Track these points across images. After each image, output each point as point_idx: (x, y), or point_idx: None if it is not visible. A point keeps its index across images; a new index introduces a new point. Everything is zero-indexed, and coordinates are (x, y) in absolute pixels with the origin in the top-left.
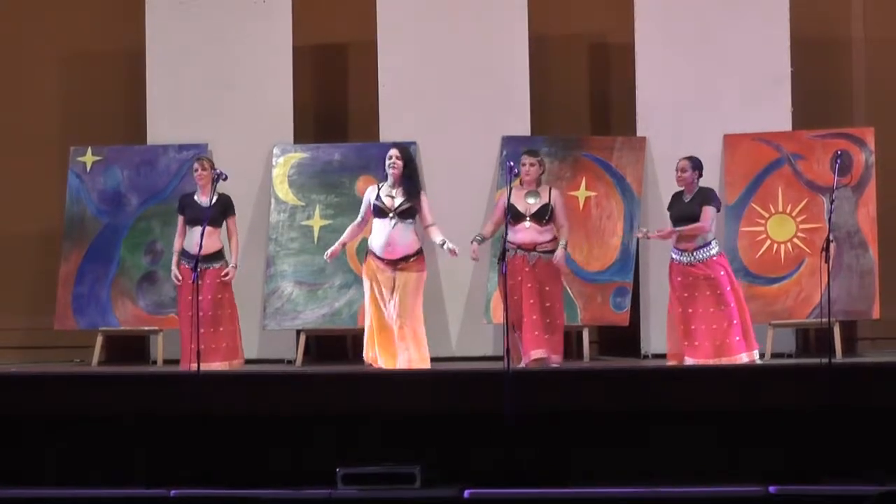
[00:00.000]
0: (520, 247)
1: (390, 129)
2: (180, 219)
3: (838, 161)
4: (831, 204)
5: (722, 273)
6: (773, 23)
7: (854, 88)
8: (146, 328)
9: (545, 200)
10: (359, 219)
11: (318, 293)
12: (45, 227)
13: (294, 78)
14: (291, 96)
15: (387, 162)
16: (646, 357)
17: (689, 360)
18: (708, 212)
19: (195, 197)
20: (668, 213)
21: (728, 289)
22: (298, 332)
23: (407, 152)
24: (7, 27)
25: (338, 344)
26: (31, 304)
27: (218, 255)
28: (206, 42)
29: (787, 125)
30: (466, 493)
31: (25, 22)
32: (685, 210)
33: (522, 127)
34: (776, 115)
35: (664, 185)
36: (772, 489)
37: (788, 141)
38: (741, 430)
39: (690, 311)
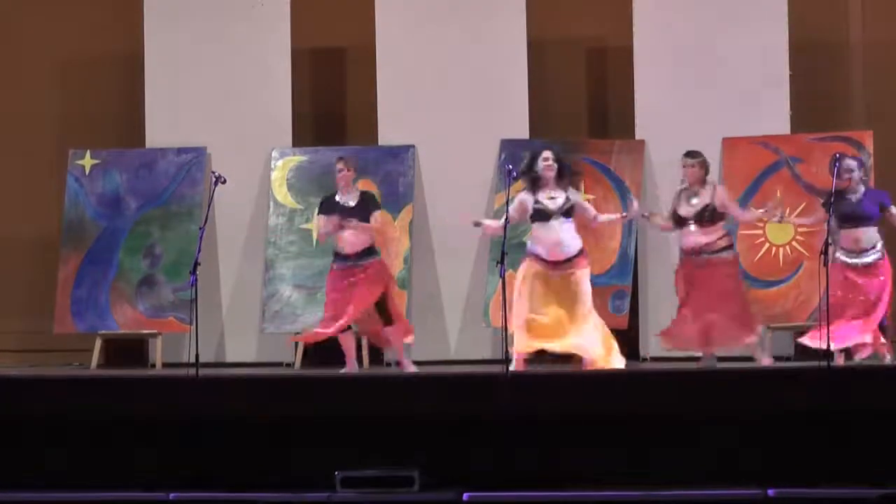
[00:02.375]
0: (689, 252)
1: (389, 132)
2: (324, 218)
3: (837, 164)
4: (830, 207)
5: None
6: (772, 26)
7: (852, 91)
8: (145, 332)
9: (706, 201)
10: (503, 221)
11: (316, 296)
12: (43, 230)
13: (292, 81)
14: (290, 100)
15: (541, 164)
16: (645, 360)
17: None
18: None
19: (336, 198)
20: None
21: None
22: (297, 335)
23: (558, 153)
24: (6, 31)
25: (336, 347)
26: (30, 307)
27: (370, 251)
28: (204, 45)
29: (785, 128)
30: (465, 497)
31: (24, 26)
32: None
33: (521, 130)
34: (775, 118)
35: (663, 188)
36: (770, 492)
37: (787, 144)
38: (740, 432)
39: None
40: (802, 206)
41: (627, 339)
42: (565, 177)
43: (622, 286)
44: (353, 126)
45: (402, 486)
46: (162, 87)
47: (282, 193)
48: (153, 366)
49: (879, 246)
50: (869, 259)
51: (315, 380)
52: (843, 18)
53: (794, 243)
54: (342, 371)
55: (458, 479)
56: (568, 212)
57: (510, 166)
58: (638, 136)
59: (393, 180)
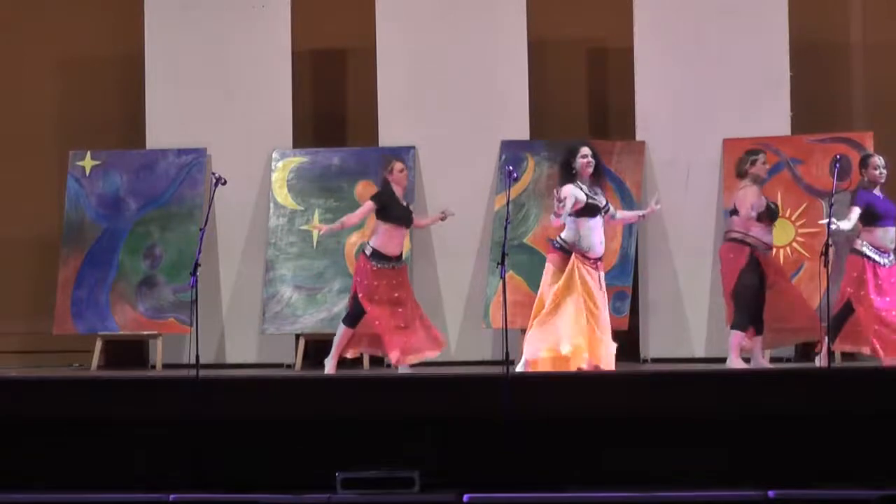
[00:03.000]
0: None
1: (389, 133)
2: (369, 206)
3: (837, 165)
4: (830, 208)
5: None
6: (772, 27)
7: (853, 93)
8: (145, 333)
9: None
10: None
11: (317, 297)
12: (43, 231)
13: (293, 83)
14: (290, 101)
15: (579, 160)
16: (645, 361)
17: None
18: None
19: (399, 199)
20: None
21: None
22: (297, 336)
23: (594, 150)
24: (6, 31)
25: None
26: (30, 308)
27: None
28: (205, 47)
29: (786, 130)
30: (466, 498)
31: (25, 26)
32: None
33: (521, 131)
34: (775, 119)
35: (663, 189)
36: (771, 493)
37: (787, 145)
38: (741, 434)
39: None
40: (804, 206)
41: (628, 339)
42: (601, 174)
43: (623, 287)
44: (353, 127)
45: (403, 487)
46: (163, 88)
47: (282, 194)
48: (153, 367)
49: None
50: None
51: (316, 381)
52: (844, 19)
53: (794, 244)
54: (327, 365)
55: (459, 480)
56: (606, 208)
57: (510, 167)
58: (638, 137)
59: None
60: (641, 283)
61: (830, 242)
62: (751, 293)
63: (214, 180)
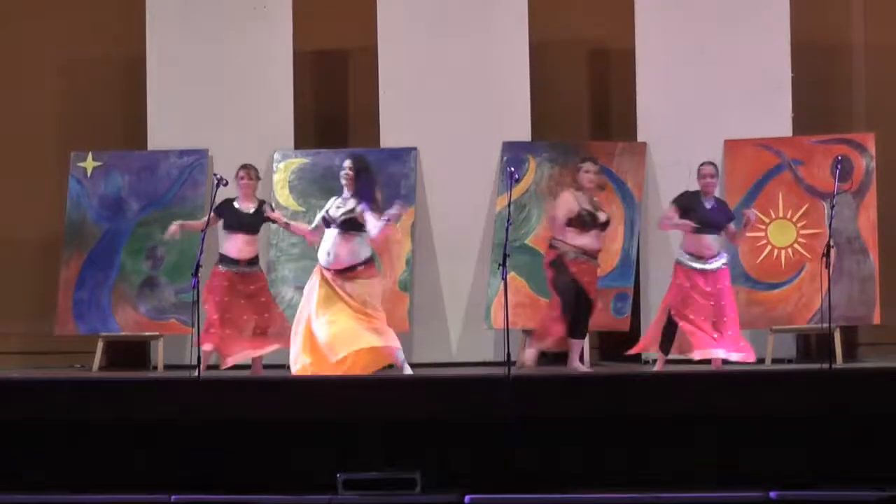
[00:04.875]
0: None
1: (391, 134)
2: (213, 216)
3: (839, 166)
4: (832, 209)
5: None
6: (774, 28)
7: (854, 94)
8: (147, 334)
9: None
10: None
11: None
12: (45, 232)
13: (295, 83)
14: (292, 102)
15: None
16: (646, 363)
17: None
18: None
19: (235, 203)
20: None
21: None
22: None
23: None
24: (7, 32)
25: None
26: (32, 309)
27: (254, 262)
28: (206, 48)
29: (787, 131)
30: (467, 499)
31: (26, 27)
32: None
33: (523, 132)
34: (777, 120)
35: (665, 190)
36: (773, 494)
37: (789, 146)
38: (742, 435)
39: None
40: (805, 208)
41: (629, 340)
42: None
43: (624, 288)
44: (354, 128)
45: (404, 488)
46: (164, 89)
47: (284, 195)
48: (155, 368)
49: (724, 255)
50: (713, 266)
51: (317, 382)
52: (845, 20)
53: (796, 245)
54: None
55: (460, 481)
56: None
57: (512, 168)
58: (640, 139)
59: (395, 183)
60: (643, 284)
61: (832, 243)
62: (567, 297)
63: (216, 181)
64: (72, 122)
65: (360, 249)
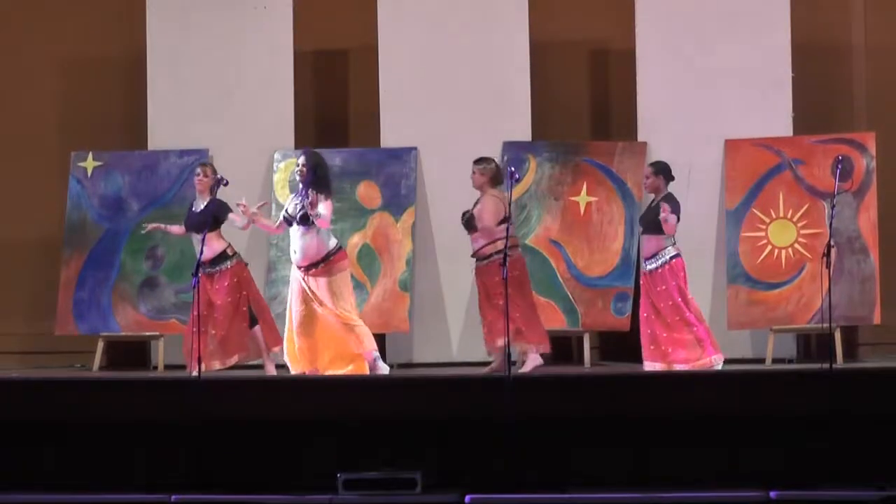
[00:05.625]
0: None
1: (391, 134)
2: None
3: (839, 166)
4: (832, 209)
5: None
6: (774, 28)
7: (855, 93)
8: (147, 333)
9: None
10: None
11: None
12: (45, 232)
13: (295, 83)
14: (292, 101)
15: None
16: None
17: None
18: None
19: (192, 204)
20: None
21: None
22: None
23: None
24: (8, 32)
25: None
26: (32, 309)
27: (223, 257)
28: (207, 47)
29: (788, 130)
30: (467, 499)
31: (26, 27)
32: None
33: (523, 132)
34: (777, 120)
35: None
36: (773, 494)
37: (789, 146)
38: (742, 435)
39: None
40: (805, 207)
41: (629, 340)
42: None
43: (625, 288)
44: (355, 128)
45: (405, 488)
46: (164, 88)
47: (284, 195)
48: (155, 368)
49: (670, 251)
50: (649, 267)
51: (318, 382)
52: (846, 20)
53: (796, 245)
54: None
55: (461, 481)
56: None
57: (512, 168)
58: (640, 138)
59: (395, 182)
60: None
61: (832, 243)
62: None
63: (216, 181)
64: (72, 122)
65: (326, 241)
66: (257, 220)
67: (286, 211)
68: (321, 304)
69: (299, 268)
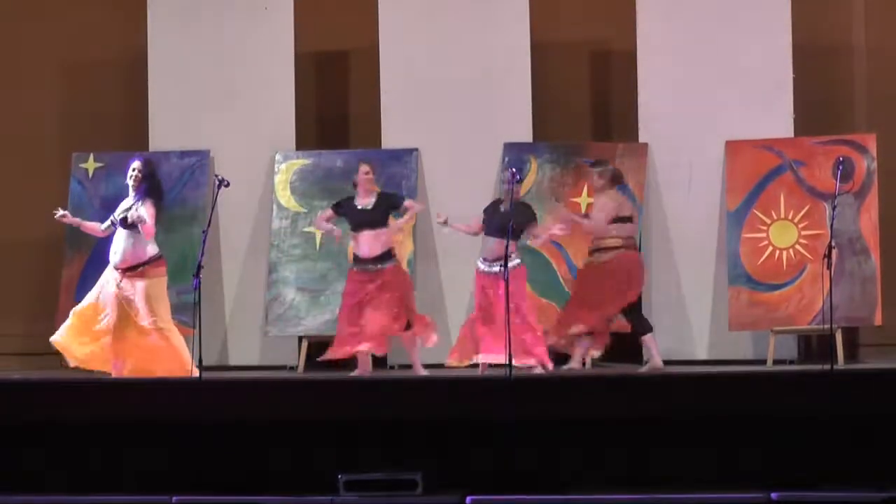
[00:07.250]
0: None
1: (392, 135)
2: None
3: (840, 167)
4: (833, 210)
5: None
6: (775, 29)
7: (856, 95)
8: None
9: None
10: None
11: (319, 299)
12: (46, 233)
13: (296, 84)
14: (293, 103)
15: None
16: (646, 363)
17: None
18: None
19: (355, 201)
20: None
21: None
22: (300, 338)
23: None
24: (9, 33)
25: None
26: (33, 310)
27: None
28: (208, 48)
29: (788, 132)
30: (468, 500)
31: (27, 28)
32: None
33: (524, 133)
34: (778, 121)
35: (666, 191)
36: (774, 495)
37: (790, 147)
38: (743, 436)
39: None
40: (806, 209)
41: (629, 341)
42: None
43: None
44: (356, 129)
45: (405, 489)
46: (165, 89)
47: (285, 196)
48: None
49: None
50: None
51: (318, 383)
52: (847, 21)
53: (797, 246)
54: (353, 374)
55: (461, 482)
56: None
57: (513, 169)
58: (641, 140)
59: (396, 183)
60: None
61: (833, 244)
62: None
63: (217, 182)
64: (73, 123)
65: (145, 248)
66: (85, 225)
67: (114, 214)
68: (133, 308)
69: (116, 269)
